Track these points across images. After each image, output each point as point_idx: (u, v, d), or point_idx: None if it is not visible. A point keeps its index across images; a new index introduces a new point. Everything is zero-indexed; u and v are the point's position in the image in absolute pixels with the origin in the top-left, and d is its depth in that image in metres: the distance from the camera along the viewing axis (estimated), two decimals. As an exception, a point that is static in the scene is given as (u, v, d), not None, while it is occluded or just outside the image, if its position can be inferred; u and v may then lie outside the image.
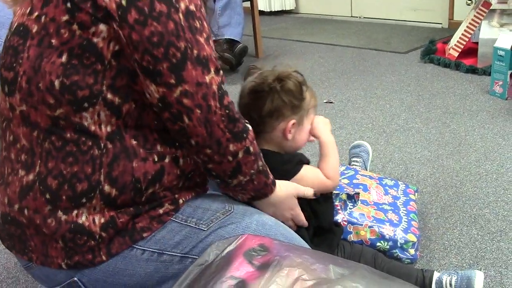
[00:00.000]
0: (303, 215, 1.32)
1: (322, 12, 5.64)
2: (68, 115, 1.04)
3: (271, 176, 1.21)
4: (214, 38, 3.41)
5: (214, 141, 1.05)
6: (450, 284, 1.37)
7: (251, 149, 1.12)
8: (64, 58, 1.01)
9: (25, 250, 1.11)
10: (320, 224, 1.40)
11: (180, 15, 0.99)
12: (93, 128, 1.04)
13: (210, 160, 1.09)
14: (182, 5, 1.00)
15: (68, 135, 1.04)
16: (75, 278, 1.11)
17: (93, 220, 1.07)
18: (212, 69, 1.03)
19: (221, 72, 1.07)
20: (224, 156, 1.08)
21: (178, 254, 1.13)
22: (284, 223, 1.26)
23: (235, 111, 1.08)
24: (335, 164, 1.41)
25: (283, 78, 1.32)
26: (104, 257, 1.09)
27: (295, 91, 1.33)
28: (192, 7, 1.01)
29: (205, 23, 1.04)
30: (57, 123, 1.05)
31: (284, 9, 5.91)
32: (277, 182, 1.24)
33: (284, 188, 1.26)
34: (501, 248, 1.63)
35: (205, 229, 1.14)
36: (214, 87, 1.02)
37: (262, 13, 5.52)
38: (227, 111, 1.05)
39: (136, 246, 1.11)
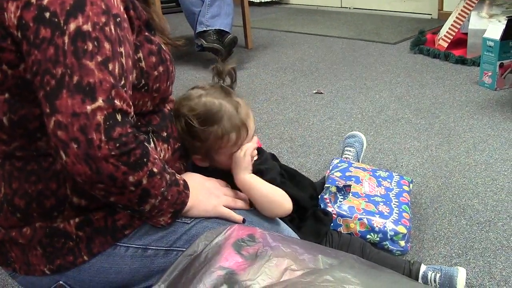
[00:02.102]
0: (238, 193, 1.23)
1: (312, 3, 5.63)
2: (23, 146, 1.03)
3: (180, 180, 1.10)
4: (204, 29, 3.44)
5: (105, 177, 0.92)
6: (435, 281, 1.38)
7: (155, 169, 0.99)
8: (7, 95, 1.00)
9: (7, 262, 1.11)
10: (300, 205, 1.39)
11: (65, 38, 0.89)
12: (50, 150, 1.02)
13: (109, 193, 0.96)
14: (72, 26, 0.89)
15: (27, 156, 1.04)
16: (61, 282, 1.10)
17: (68, 222, 1.06)
18: (100, 98, 0.88)
19: (121, 101, 0.92)
20: (124, 188, 0.96)
21: (163, 248, 1.12)
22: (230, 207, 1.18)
23: (131, 140, 0.93)
24: (267, 204, 1.24)
25: (175, 117, 1.23)
26: (86, 257, 1.08)
27: (183, 135, 1.22)
28: (86, 27, 0.90)
29: (106, 44, 0.91)
30: (13, 154, 1.04)
31: (274, -1, 5.90)
32: (185, 177, 1.13)
33: (193, 179, 1.16)
34: (489, 238, 1.63)
35: (189, 221, 1.14)
36: (99, 117, 0.88)
37: (252, 3, 5.50)
38: (117, 144, 0.90)
39: (120, 244, 1.10)
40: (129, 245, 1.10)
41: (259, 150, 1.40)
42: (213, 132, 1.20)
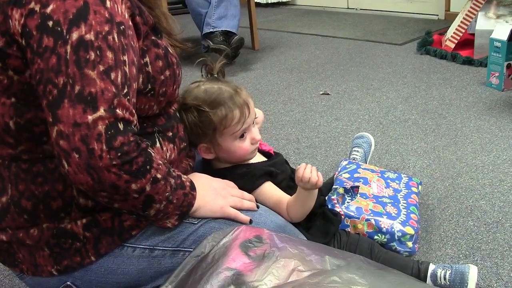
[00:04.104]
0: (245, 193, 1.25)
1: (318, 4, 5.63)
2: (29, 149, 1.03)
3: (186, 182, 1.10)
4: (211, 30, 3.45)
5: (107, 186, 0.92)
6: (445, 278, 1.37)
7: (159, 175, 1.00)
8: (13, 100, 1.00)
9: (15, 263, 1.11)
10: None
11: (68, 47, 0.89)
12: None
13: (112, 200, 0.97)
14: (74, 36, 0.89)
15: (33, 158, 1.04)
16: (68, 282, 1.10)
17: (75, 222, 1.06)
18: (102, 108, 0.89)
19: (123, 110, 0.92)
20: (127, 195, 0.96)
21: (170, 248, 1.12)
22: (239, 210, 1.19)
23: (133, 148, 0.93)
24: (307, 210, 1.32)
25: (183, 110, 1.26)
26: (93, 258, 1.08)
27: (192, 124, 1.25)
28: (89, 36, 0.90)
29: (108, 53, 0.91)
30: (20, 157, 1.05)
31: (280, 1, 5.89)
32: (191, 178, 1.15)
33: (200, 180, 1.17)
34: (497, 239, 1.63)
35: (196, 222, 1.14)
36: (100, 127, 0.88)
37: (258, 5, 5.50)
38: (119, 154, 0.90)
39: (127, 244, 1.10)
40: (136, 246, 1.11)
41: (275, 153, 1.45)
42: (218, 113, 1.25)
